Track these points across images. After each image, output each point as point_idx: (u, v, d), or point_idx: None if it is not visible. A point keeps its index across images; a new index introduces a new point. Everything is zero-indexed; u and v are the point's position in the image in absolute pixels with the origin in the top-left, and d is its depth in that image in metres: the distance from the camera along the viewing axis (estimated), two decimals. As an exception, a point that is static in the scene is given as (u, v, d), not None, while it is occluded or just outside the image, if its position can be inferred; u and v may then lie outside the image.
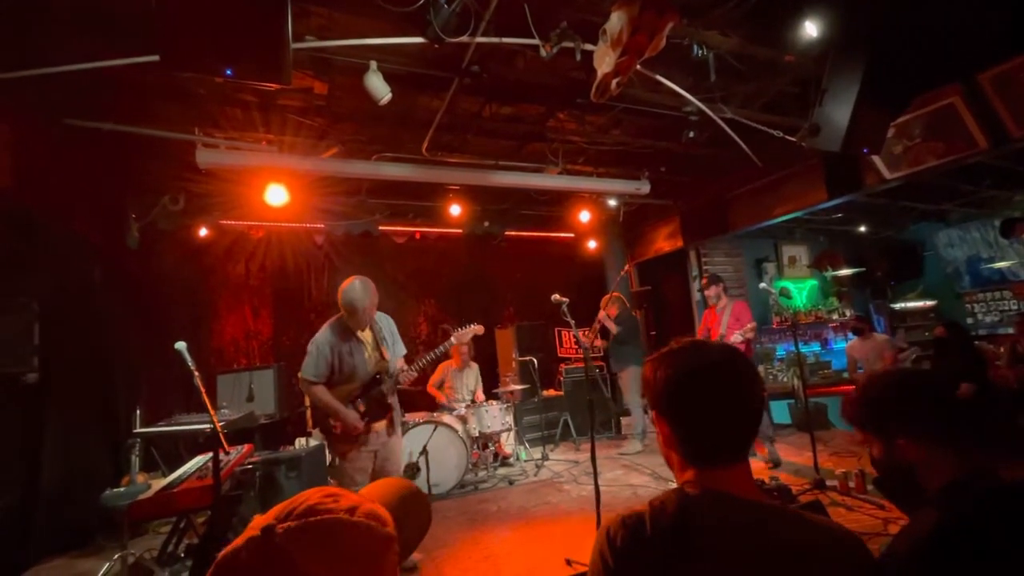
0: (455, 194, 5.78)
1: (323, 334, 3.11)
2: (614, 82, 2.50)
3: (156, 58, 2.02)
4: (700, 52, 3.14)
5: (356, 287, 3.05)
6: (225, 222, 5.60)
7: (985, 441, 1.03)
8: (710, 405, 0.84)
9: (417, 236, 6.66)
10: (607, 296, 5.93)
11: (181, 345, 2.61)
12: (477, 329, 3.78)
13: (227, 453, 2.61)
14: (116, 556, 3.09)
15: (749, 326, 4.62)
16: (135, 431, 3.85)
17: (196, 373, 2.62)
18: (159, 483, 3.05)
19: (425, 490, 4.47)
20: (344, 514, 0.60)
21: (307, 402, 4.98)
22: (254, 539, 0.56)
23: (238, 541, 0.57)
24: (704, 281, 5.17)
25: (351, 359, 3.10)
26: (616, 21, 2.26)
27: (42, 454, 3.75)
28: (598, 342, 6.47)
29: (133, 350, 4.86)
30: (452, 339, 3.69)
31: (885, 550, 1.00)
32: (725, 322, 4.77)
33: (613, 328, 5.84)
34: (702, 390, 0.84)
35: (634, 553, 0.79)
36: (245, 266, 6.10)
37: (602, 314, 5.88)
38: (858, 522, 3.31)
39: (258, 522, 0.59)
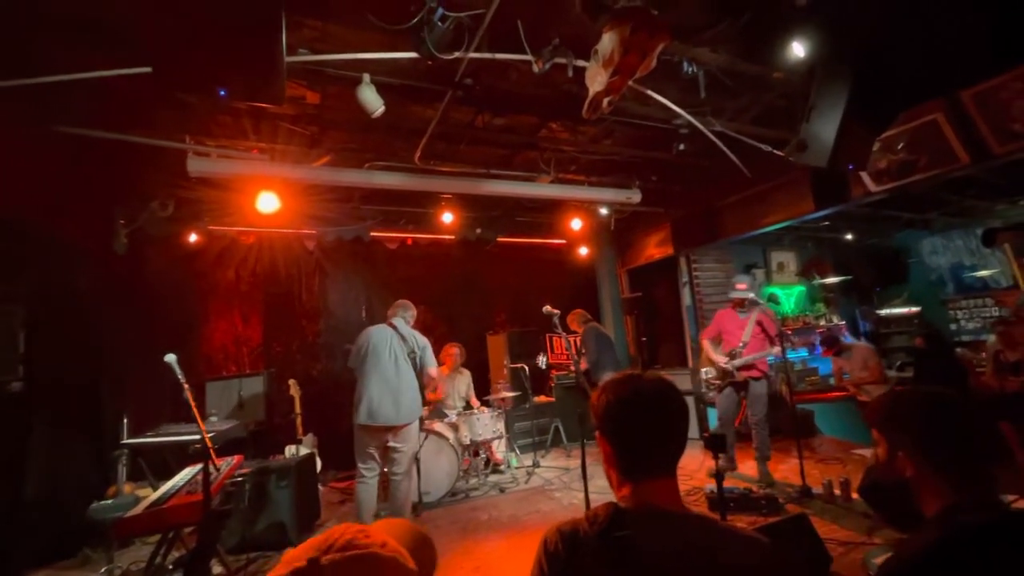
0: (447, 201, 5.79)
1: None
2: (606, 100, 2.52)
3: (148, 69, 2.02)
4: (690, 69, 3.19)
5: None
6: (215, 228, 5.55)
7: (980, 474, 1.06)
8: (641, 426, 1.01)
9: (409, 242, 6.66)
10: (571, 315, 5.93)
11: (171, 358, 2.60)
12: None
13: (217, 469, 2.60)
14: (103, 569, 3.07)
15: (777, 349, 4.44)
16: (123, 442, 3.82)
17: (186, 386, 2.61)
18: (146, 494, 3.04)
19: (415, 498, 4.47)
20: (379, 548, 0.66)
21: (297, 409, 4.98)
22: (300, 570, 0.60)
23: (280, 571, 0.62)
24: (743, 287, 4.79)
25: None
26: (608, 42, 2.28)
27: (27, 464, 3.70)
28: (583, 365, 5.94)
29: (121, 357, 4.81)
30: None
31: (880, 569, 1.03)
32: (749, 331, 4.62)
33: (584, 365, 5.50)
34: (635, 414, 1.01)
35: (567, 559, 0.92)
36: (235, 272, 6.06)
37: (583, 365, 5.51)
38: (843, 530, 3.36)
39: (293, 555, 0.64)
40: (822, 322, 8.29)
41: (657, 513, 0.96)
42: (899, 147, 4.13)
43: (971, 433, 1.08)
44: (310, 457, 4.49)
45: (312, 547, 0.64)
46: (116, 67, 2.83)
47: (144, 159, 4.36)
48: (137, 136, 3.82)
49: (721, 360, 4.69)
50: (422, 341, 3.95)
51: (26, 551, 3.60)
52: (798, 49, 3.11)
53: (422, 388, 3.89)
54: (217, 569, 3.27)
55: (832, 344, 5.97)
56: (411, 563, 0.68)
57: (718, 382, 4.78)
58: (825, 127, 3.23)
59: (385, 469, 3.87)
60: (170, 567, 3.16)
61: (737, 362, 4.60)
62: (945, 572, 0.93)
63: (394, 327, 3.96)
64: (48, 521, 3.71)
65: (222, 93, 1.78)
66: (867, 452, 4.87)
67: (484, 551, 3.59)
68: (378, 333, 3.91)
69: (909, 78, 3.58)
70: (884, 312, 8.93)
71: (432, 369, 3.90)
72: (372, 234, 6.15)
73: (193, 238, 5.46)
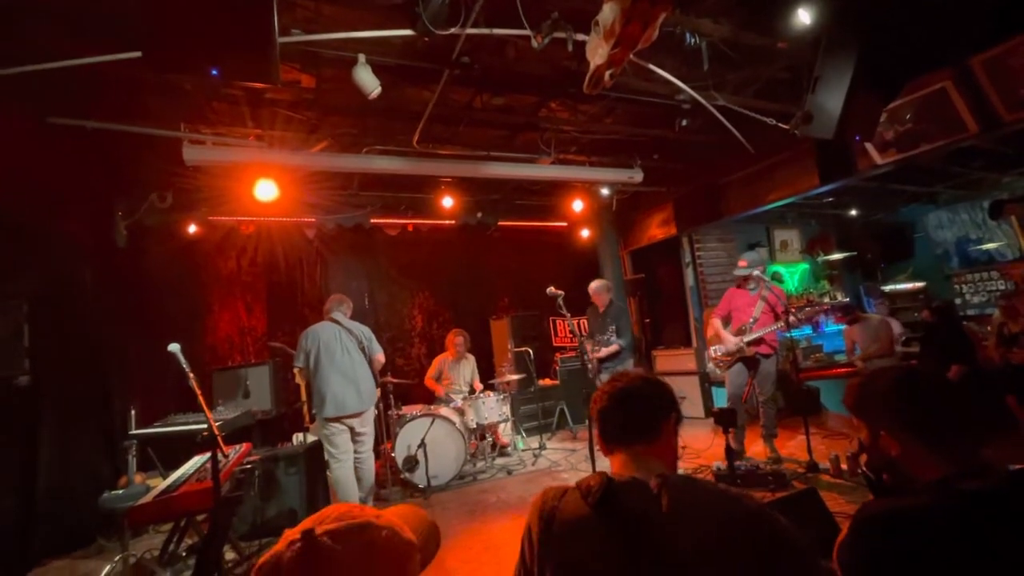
0: (447, 186, 5.73)
1: None
2: (607, 74, 2.46)
3: (139, 54, 1.97)
4: (692, 41, 3.11)
5: None
6: (214, 218, 5.51)
7: (966, 443, 1.04)
8: (613, 406, 1.24)
9: (410, 228, 6.60)
10: (596, 284, 5.46)
11: (175, 347, 2.58)
12: None
13: (225, 456, 2.60)
14: (118, 557, 3.09)
15: (781, 324, 4.43)
16: (131, 432, 3.83)
17: (191, 375, 2.59)
18: (157, 483, 3.05)
19: (424, 482, 4.51)
20: (373, 518, 0.67)
21: (303, 397, 4.99)
22: (295, 542, 0.61)
23: (278, 547, 0.63)
24: (744, 264, 4.70)
25: None
26: (609, 12, 2.22)
27: (38, 456, 3.73)
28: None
29: (126, 349, 4.82)
30: None
31: (858, 512, 1.00)
32: (760, 307, 4.57)
33: (614, 348, 4.99)
34: (613, 404, 1.25)
35: (562, 520, 1.03)
36: (237, 262, 6.03)
37: (599, 352, 5.05)
38: (850, 505, 3.37)
39: (291, 532, 0.64)
40: (826, 299, 8.25)
41: (640, 484, 1.06)
42: (907, 117, 4.06)
43: (949, 403, 1.07)
44: (318, 444, 4.51)
45: (307, 523, 0.64)
46: (107, 53, 2.77)
47: (141, 150, 4.32)
48: (132, 126, 3.77)
49: (731, 338, 4.67)
50: (367, 332, 4.16)
51: (40, 542, 3.64)
52: (803, 17, 3.03)
53: (375, 374, 4.13)
54: (230, 555, 3.31)
55: (847, 312, 5.88)
56: (407, 532, 0.68)
57: (727, 359, 4.75)
58: (831, 98, 3.17)
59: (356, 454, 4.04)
60: (184, 554, 3.20)
61: (748, 337, 4.57)
62: (940, 535, 0.91)
63: (337, 322, 4.05)
64: (61, 512, 3.75)
65: (214, 72, 1.73)
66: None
67: (493, 531, 3.62)
68: (326, 331, 3.99)
69: (916, 46, 3.50)
70: (889, 288, 8.88)
71: (380, 355, 4.16)
72: (372, 221, 6.11)
73: (192, 228, 5.42)
